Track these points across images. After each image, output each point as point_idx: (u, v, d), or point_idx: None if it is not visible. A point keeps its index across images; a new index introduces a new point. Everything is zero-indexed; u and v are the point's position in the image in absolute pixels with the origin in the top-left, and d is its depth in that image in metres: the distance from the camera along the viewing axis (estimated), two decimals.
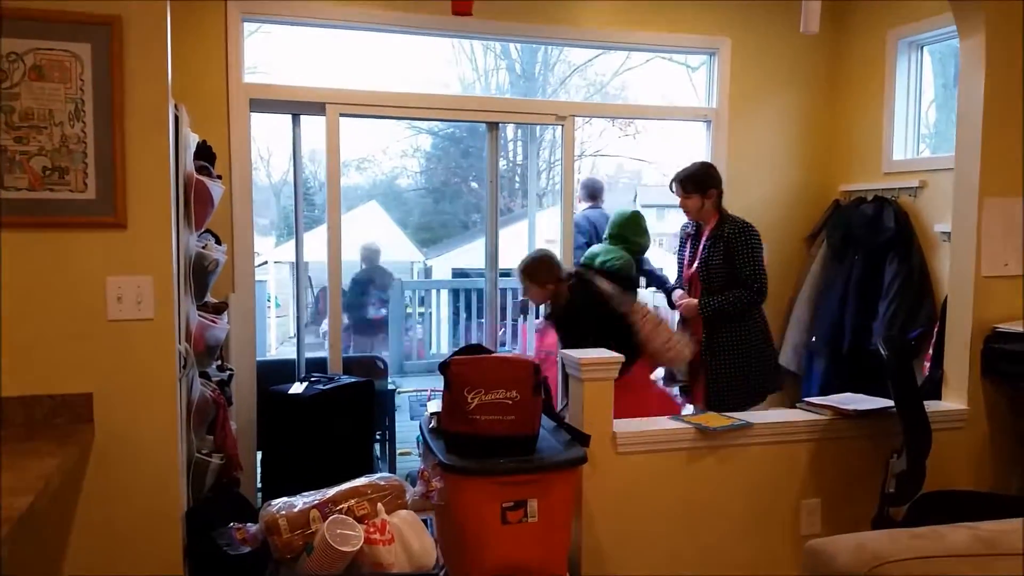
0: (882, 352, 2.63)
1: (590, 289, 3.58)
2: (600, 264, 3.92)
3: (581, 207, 4.95)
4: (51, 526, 2.18)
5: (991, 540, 1.63)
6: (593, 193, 5.10)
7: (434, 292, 8.88)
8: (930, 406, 3.07)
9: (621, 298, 3.55)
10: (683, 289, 3.70)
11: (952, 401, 3.14)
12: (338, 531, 1.96)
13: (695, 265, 3.59)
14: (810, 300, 4.44)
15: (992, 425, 3.12)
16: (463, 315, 8.42)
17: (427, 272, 13.59)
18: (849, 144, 4.52)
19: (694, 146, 4.62)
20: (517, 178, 14.90)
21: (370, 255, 8.10)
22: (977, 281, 3.06)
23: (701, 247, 3.58)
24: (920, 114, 4.25)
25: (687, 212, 3.63)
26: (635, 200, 17.82)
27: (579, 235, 4.61)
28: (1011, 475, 3.15)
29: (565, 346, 3.27)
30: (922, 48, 4.20)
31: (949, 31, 3.72)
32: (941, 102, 4.33)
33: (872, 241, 4.11)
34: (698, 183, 3.54)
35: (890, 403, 2.81)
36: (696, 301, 3.53)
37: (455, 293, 8.58)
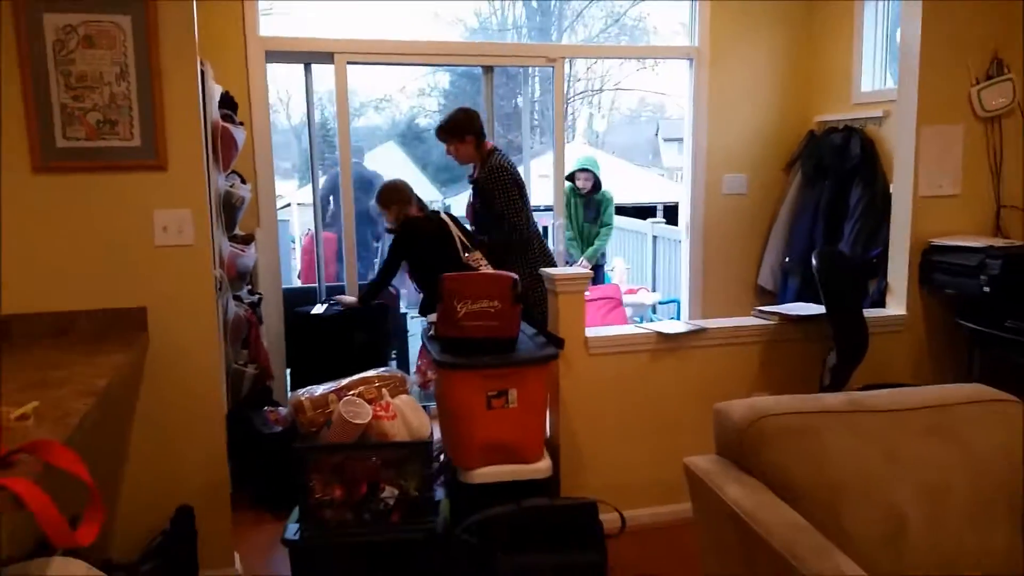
0: (813, 264, 3.03)
1: (419, 225, 3.83)
2: None
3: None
4: (116, 423, 2.66)
5: (860, 401, 2.05)
6: None
7: None
8: (873, 312, 3.50)
9: (467, 243, 3.78)
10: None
11: (893, 308, 3.55)
12: (351, 408, 2.44)
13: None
14: (786, 224, 4.82)
15: (928, 329, 3.53)
16: None
17: (447, 210, 13.93)
18: (823, 77, 4.83)
19: None
20: (535, 115, 15.11)
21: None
22: (915, 200, 3.43)
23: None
24: (889, 47, 4.54)
25: (453, 158, 3.91)
26: (657, 134, 17.90)
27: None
28: (947, 372, 3.56)
29: None
30: None
31: None
32: None
33: (840, 167, 4.46)
34: (451, 131, 3.80)
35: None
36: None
37: None
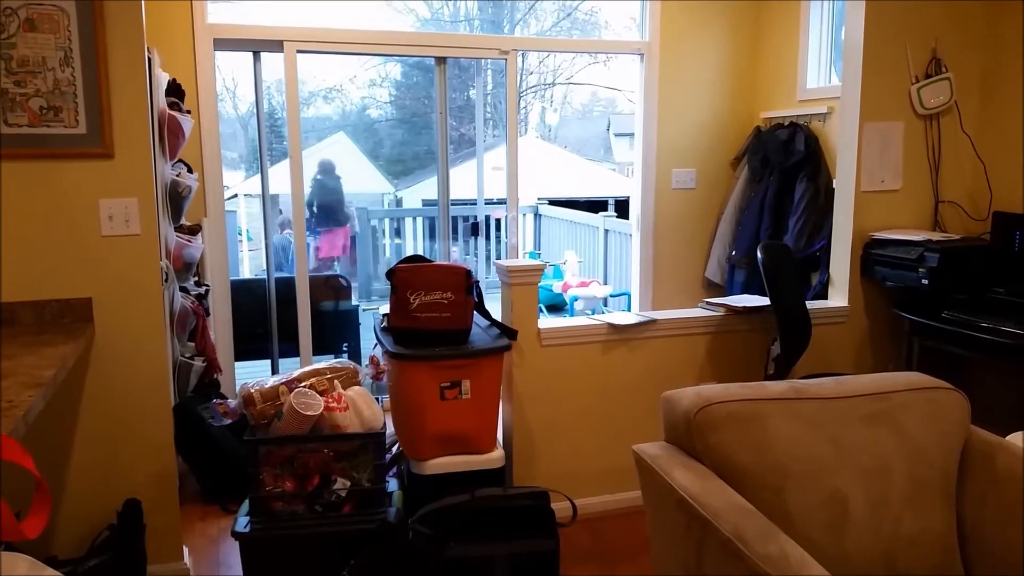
0: (759, 257, 3.10)
1: None
2: None
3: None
4: (60, 415, 2.61)
5: (802, 388, 2.11)
6: None
7: (409, 221, 9.34)
8: (816, 304, 3.59)
9: None
10: None
11: (835, 300, 3.65)
12: (302, 400, 2.43)
13: None
14: (732, 218, 4.91)
15: (870, 320, 3.64)
16: (427, 241, 8.93)
17: (398, 203, 13.92)
18: (769, 74, 4.92)
19: None
20: (488, 108, 15.08)
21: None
22: (857, 195, 3.53)
23: None
24: (834, 45, 4.65)
25: None
26: (608, 128, 18.03)
27: None
28: (887, 362, 3.68)
29: None
30: None
31: None
32: None
33: (785, 163, 4.56)
34: None
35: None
36: None
37: (429, 221, 9.01)
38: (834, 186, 3.72)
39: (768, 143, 4.70)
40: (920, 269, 3.24)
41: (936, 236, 3.37)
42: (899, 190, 3.58)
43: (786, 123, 4.67)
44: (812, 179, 4.45)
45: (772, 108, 4.88)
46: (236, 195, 11.25)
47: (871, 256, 3.51)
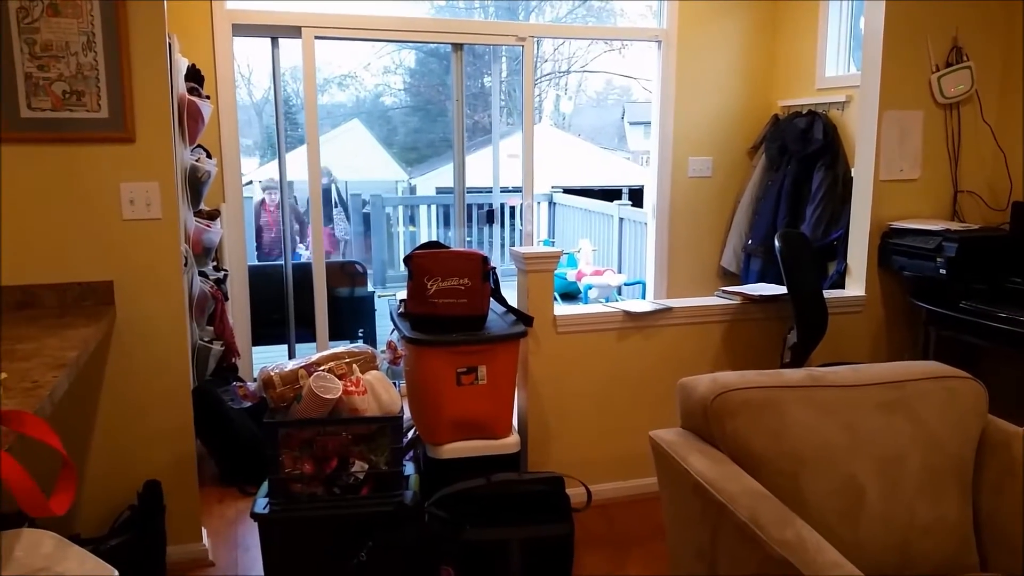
0: (776, 246, 3.10)
1: None
2: None
3: None
4: (82, 398, 2.64)
5: (819, 376, 2.12)
6: None
7: (423, 208, 9.38)
8: (833, 293, 3.58)
9: None
10: None
11: (852, 289, 3.63)
12: (321, 383, 2.45)
13: None
14: (749, 207, 4.89)
15: (887, 310, 3.62)
16: (442, 228, 8.97)
17: (412, 190, 13.96)
18: (788, 62, 4.89)
19: None
20: (503, 96, 15.03)
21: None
22: (876, 184, 3.51)
23: None
24: (853, 34, 4.62)
25: None
26: (623, 117, 17.96)
27: None
28: (903, 352, 3.66)
29: None
30: None
31: None
32: None
33: (803, 151, 4.54)
34: None
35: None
36: None
37: (443, 208, 9.06)
38: (852, 175, 3.70)
39: (786, 131, 4.68)
40: (938, 259, 3.23)
41: (955, 226, 3.35)
42: (918, 179, 3.56)
43: (804, 111, 4.65)
44: (830, 168, 4.43)
45: (790, 96, 4.85)
46: (251, 182, 11.31)
47: (889, 245, 3.49)
